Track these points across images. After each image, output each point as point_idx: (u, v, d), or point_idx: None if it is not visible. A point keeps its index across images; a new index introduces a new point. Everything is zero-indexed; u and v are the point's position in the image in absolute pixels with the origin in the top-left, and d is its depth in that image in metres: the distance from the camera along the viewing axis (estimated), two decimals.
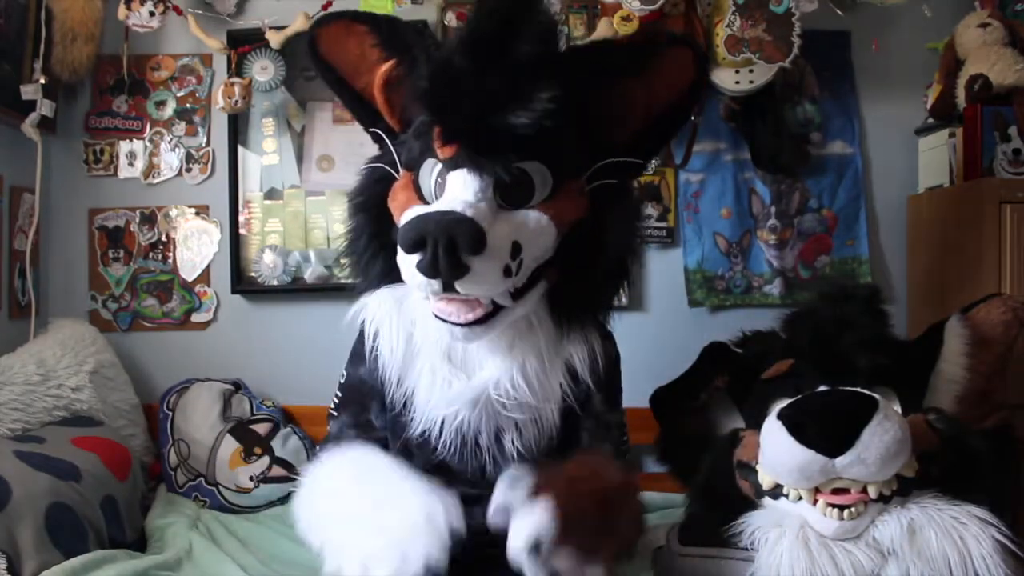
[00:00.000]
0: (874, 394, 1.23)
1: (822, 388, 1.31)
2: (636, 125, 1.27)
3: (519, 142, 1.12)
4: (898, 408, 1.32)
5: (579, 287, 1.22)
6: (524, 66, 1.10)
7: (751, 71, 1.92)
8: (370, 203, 1.29)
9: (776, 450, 1.24)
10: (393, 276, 1.22)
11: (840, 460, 1.18)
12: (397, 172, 1.26)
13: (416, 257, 1.07)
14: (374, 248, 1.27)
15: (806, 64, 2.09)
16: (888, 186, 2.14)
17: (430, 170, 1.21)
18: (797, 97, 2.11)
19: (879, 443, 1.17)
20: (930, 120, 2.08)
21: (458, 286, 1.09)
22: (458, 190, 1.15)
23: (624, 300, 2.03)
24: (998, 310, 1.46)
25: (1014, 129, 1.86)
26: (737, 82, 1.94)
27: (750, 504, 1.34)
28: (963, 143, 1.92)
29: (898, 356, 1.37)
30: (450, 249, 1.04)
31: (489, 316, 1.14)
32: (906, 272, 2.11)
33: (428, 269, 1.07)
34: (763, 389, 1.41)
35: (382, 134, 1.32)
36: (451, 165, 1.17)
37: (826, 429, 1.20)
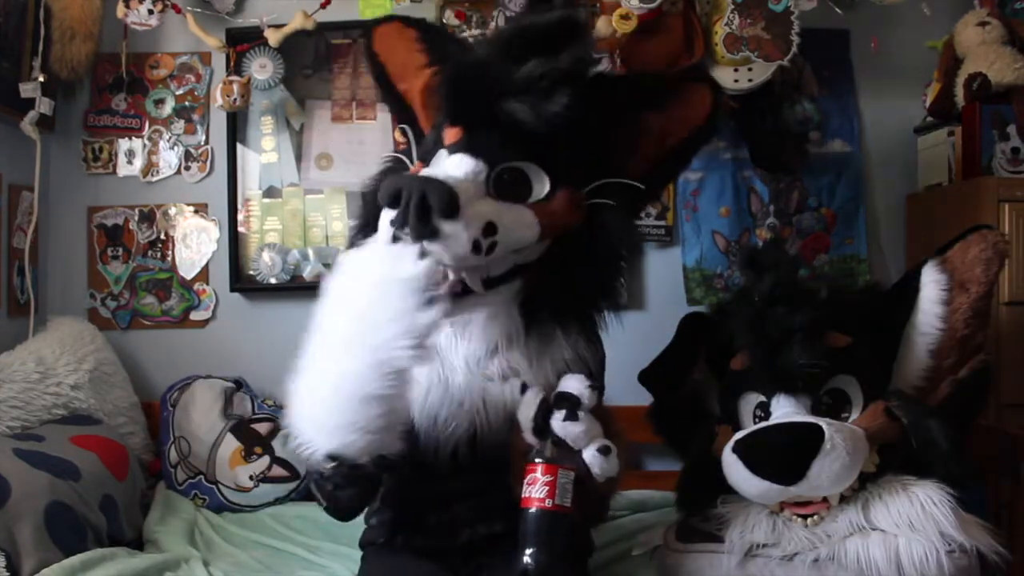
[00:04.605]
0: (820, 422, 1.24)
1: (774, 416, 1.32)
2: (647, 155, 1.30)
3: (522, 142, 1.15)
4: (860, 397, 1.32)
5: (555, 292, 1.22)
6: (545, 73, 1.14)
7: (750, 69, 1.92)
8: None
9: (737, 479, 1.30)
10: None
11: (795, 488, 1.24)
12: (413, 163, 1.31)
13: (392, 214, 1.11)
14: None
15: (805, 62, 2.09)
16: (887, 185, 2.14)
17: (439, 161, 1.24)
18: (796, 95, 2.11)
19: (828, 471, 1.21)
20: (929, 119, 2.08)
21: (426, 248, 1.10)
22: (450, 167, 1.18)
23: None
24: (977, 247, 1.38)
25: (1013, 128, 1.86)
26: (736, 80, 1.94)
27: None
28: (962, 142, 1.92)
29: (857, 331, 1.36)
30: (421, 207, 1.07)
31: (458, 295, 1.16)
32: (905, 271, 2.11)
33: (399, 223, 1.10)
34: (732, 380, 1.42)
35: (408, 130, 1.37)
36: (453, 149, 1.20)
37: (776, 466, 1.24)
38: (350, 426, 1.06)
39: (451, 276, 1.14)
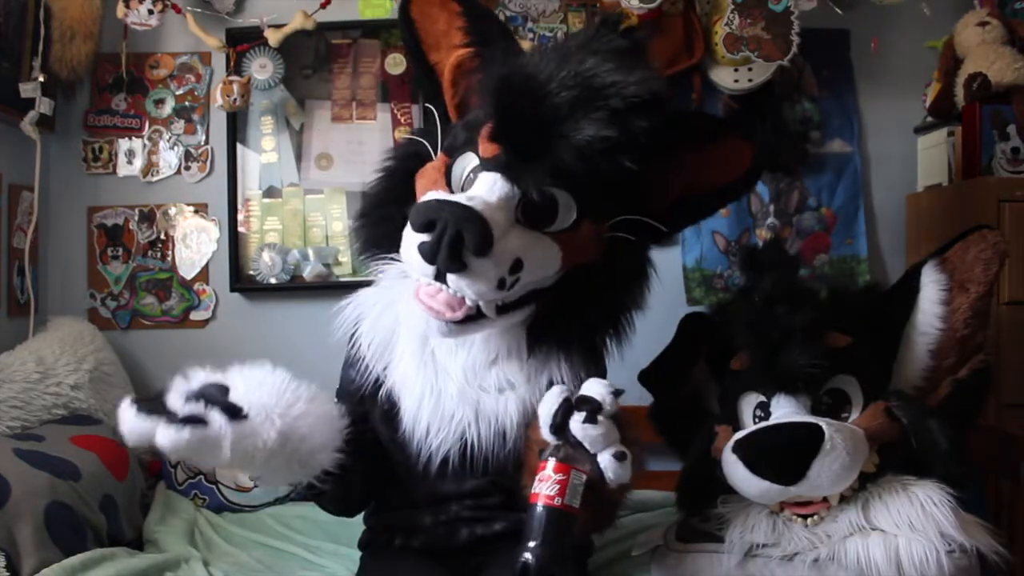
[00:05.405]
0: (820, 422, 1.24)
1: (774, 416, 1.32)
2: (674, 195, 1.28)
3: (560, 170, 1.12)
4: (860, 397, 1.32)
5: (562, 320, 1.21)
6: (610, 137, 1.09)
7: (750, 69, 1.93)
8: (397, 172, 1.29)
9: (737, 479, 1.29)
10: (384, 247, 1.23)
11: (795, 488, 1.23)
12: (435, 151, 1.27)
13: (422, 238, 1.07)
14: (382, 213, 1.26)
15: (805, 63, 2.09)
16: (887, 185, 2.14)
17: (466, 163, 1.21)
18: (796, 95, 2.11)
19: (828, 471, 1.21)
20: (929, 119, 2.08)
21: (450, 280, 1.09)
22: (484, 190, 1.14)
23: None
24: (976, 248, 1.38)
25: (1013, 128, 1.86)
26: (736, 80, 1.94)
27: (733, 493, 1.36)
28: (962, 142, 1.92)
29: (857, 331, 1.35)
30: (455, 242, 1.04)
31: (470, 320, 1.14)
32: (905, 271, 2.11)
33: (428, 253, 1.07)
34: (732, 380, 1.42)
35: (435, 112, 1.33)
36: (488, 166, 1.17)
37: (776, 466, 1.24)
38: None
39: (468, 303, 1.12)
